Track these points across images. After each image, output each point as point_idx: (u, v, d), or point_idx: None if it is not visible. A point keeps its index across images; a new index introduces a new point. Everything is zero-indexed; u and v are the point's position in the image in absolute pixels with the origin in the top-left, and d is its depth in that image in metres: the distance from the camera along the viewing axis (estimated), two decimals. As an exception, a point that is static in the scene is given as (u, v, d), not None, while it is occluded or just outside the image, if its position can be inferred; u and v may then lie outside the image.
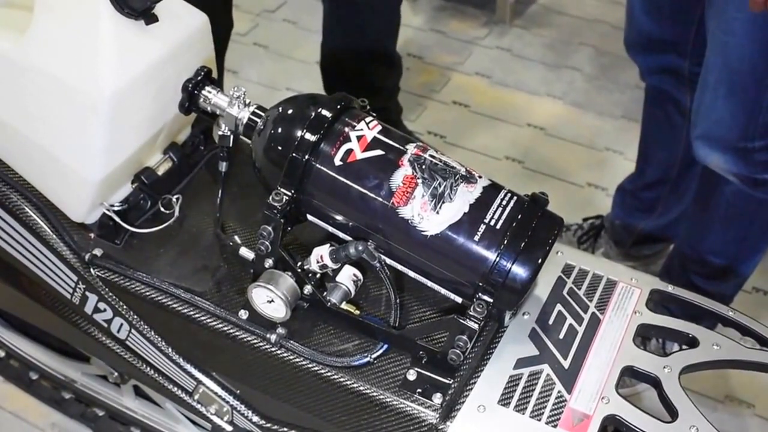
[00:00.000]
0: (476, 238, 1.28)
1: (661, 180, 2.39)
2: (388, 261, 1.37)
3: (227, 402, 1.57)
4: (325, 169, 1.34)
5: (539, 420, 1.30)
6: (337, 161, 1.33)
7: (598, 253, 2.68)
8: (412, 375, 1.36)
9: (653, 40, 2.13)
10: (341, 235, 1.40)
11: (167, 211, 1.56)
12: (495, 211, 1.30)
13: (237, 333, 1.44)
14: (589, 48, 3.54)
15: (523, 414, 1.30)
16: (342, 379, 1.38)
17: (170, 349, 1.56)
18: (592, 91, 3.34)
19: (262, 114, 1.45)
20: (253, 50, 3.54)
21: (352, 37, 2.72)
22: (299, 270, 1.39)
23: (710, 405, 2.32)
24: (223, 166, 1.53)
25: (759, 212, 1.98)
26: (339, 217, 1.37)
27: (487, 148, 3.09)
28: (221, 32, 2.50)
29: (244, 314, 1.43)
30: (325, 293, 1.39)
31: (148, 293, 1.50)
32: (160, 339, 1.56)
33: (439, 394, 1.34)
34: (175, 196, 1.56)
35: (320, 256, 1.38)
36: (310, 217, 1.41)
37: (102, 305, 1.56)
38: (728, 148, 1.85)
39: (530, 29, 3.65)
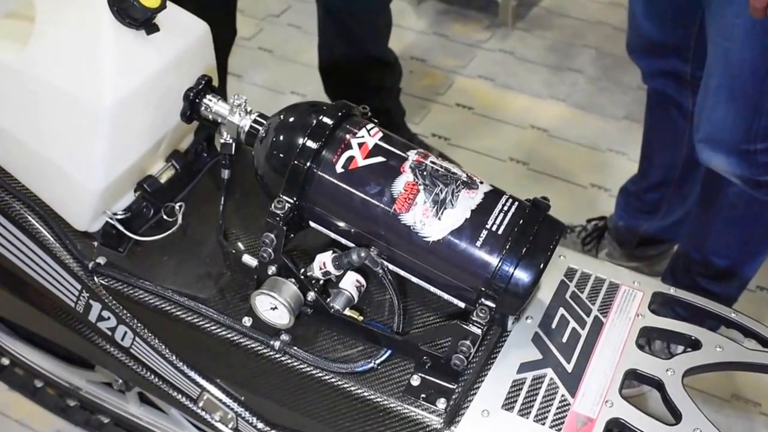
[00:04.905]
0: (478, 243, 1.28)
1: (664, 182, 2.39)
2: (391, 267, 1.37)
3: (231, 409, 1.58)
4: (326, 177, 1.34)
5: (543, 424, 1.30)
6: (339, 168, 1.33)
7: (602, 254, 2.68)
8: (415, 380, 1.36)
9: (655, 44, 2.13)
10: (344, 241, 1.40)
11: (170, 219, 1.56)
12: (497, 217, 1.30)
13: (241, 340, 1.44)
14: (591, 50, 3.54)
15: (527, 418, 1.31)
16: (346, 385, 1.38)
17: (174, 357, 1.57)
18: (594, 93, 3.34)
19: (264, 122, 1.46)
20: (258, 54, 3.54)
21: (344, 39, 2.74)
22: (302, 277, 1.39)
23: (716, 404, 2.32)
24: (225, 174, 1.54)
25: (762, 214, 1.98)
26: (341, 224, 1.37)
27: (491, 150, 3.09)
28: (224, 40, 2.51)
29: (247, 321, 1.44)
30: (328, 300, 1.39)
31: (151, 301, 1.50)
32: (164, 346, 1.56)
33: (443, 399, 1.34)
34: (178, 204, 1.57)
35: (323, 262, 1.38)
36: (312, 224, 1.41)
37: (106, 313, 1.56)
38: (731, 150, 1.85)
39: (532, 32, 3.66)
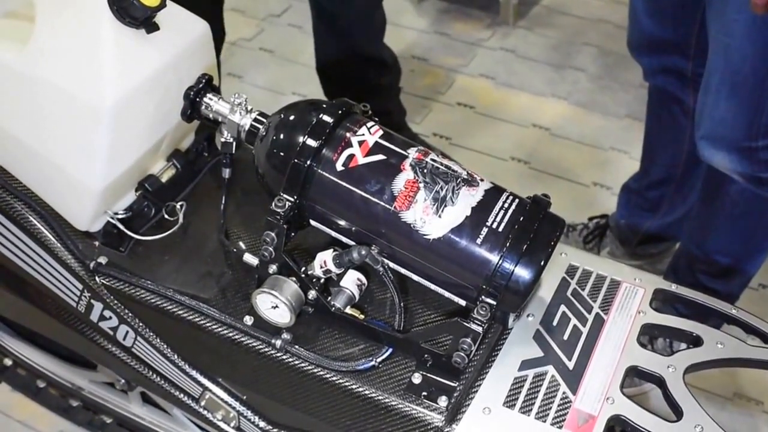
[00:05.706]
0: (479, 241, 1.28)
1: (666, 179, 2.39)
2: (392, 265, 1.37)
3: (233, 408, 1.58)
4: (327, 175, 1.34)
5: (544, 421, 1.30)
6: (339, 166, 1.33)
7: (604, 252, 2.68)
8: (417, 378, 1.36)
9: (656, 41, 2.13)
10: (344, 239, 1.40)
11: (171, 218, 1.56)
12: (497, 214, 1.30)
13: (242, 339, 1.44)
14: (592, 48, 3.54)
15: (529, 415, 1.30)
16: (347, 384, 1.38)
17: (176, 356, 1.57)
18: (596, 91, 3.34)
19: (264, 120, 1.46)
20: (259, 55, 3.54)
21: (337, 39, 2.74)
22: (303, 275, 1.39)
23: (719, 403, 2.32)
24: (226, 173, 1.54)
25: (764, 211, 1.98)
26: (342, 222, 1.37)
27: (493, 149, 3.09)
28: (215, 41, 2.51)
29: (249, 320, 1.44)
30: (329, 298, 1.39)
31: (153, 300, 1.50)
32: (165, 346, 1.56)
33: (444, 397, 1.34)
34: (179, 203, 1.57)
35: (324, 261, 1.38)
36: (313, 223, 1.41)
37: (107, 313, 1.56)
38: (732, 147, 1.84)
39: (534, 30, 3.66)
